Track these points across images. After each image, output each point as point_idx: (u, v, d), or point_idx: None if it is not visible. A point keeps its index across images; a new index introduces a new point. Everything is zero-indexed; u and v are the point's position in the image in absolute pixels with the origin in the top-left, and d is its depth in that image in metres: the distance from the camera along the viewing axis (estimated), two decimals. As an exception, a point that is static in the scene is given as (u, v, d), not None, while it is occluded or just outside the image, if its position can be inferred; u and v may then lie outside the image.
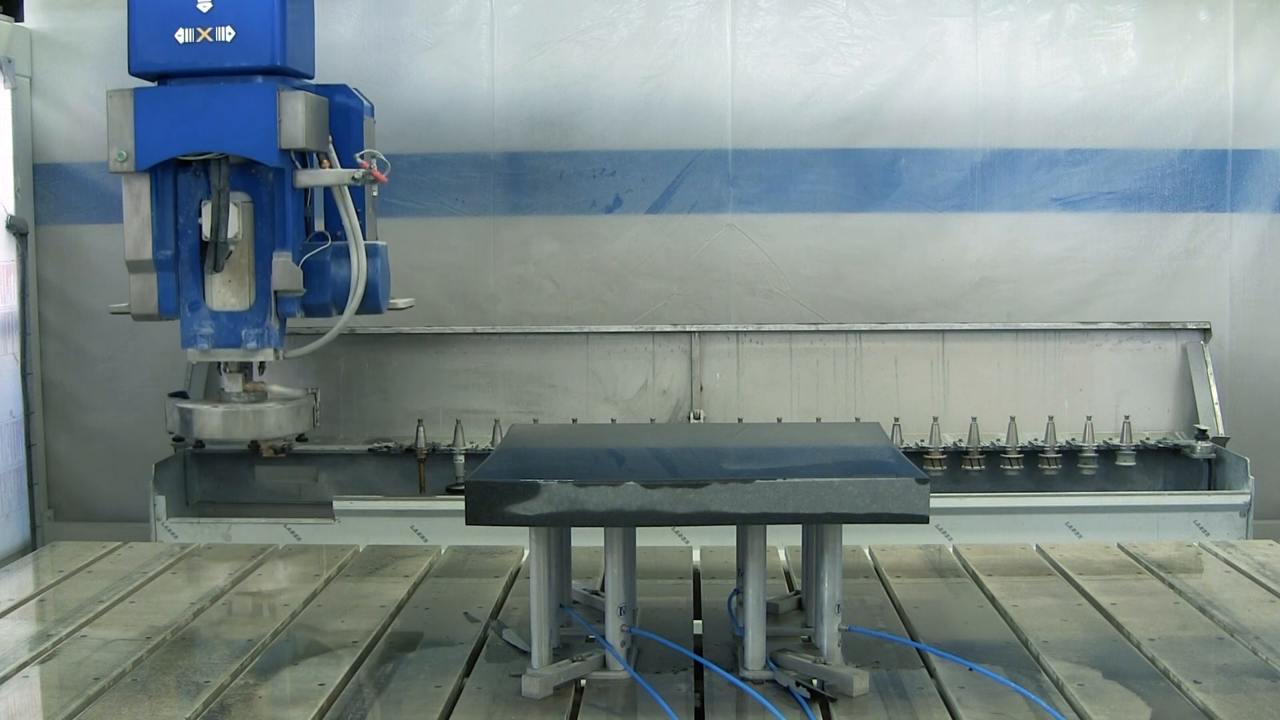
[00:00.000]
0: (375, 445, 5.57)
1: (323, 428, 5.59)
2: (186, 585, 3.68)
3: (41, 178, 5.81)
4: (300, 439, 4.16)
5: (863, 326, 5.63)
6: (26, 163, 5.76)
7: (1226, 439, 5.39)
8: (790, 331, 5.63)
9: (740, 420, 5.56)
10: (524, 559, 3.77)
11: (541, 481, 2.71)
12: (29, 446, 5.68)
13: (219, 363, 3.92)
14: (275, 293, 3.80)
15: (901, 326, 5.63)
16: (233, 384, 3.90)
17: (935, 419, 5.46)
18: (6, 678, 2.94)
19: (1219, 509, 5.03)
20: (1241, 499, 5.04)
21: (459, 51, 5.79)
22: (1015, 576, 3.69)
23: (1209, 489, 5.36)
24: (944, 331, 5.62)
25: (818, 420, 5.46)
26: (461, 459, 5.42)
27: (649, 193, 5.82)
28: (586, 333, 5.66)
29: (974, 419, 5.44)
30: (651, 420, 5.60)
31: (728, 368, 5.63)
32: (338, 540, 4.59)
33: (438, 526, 4.84)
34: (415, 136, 5.68)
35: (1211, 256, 5.80)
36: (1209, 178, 5.76)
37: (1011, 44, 5.75)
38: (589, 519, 2.76)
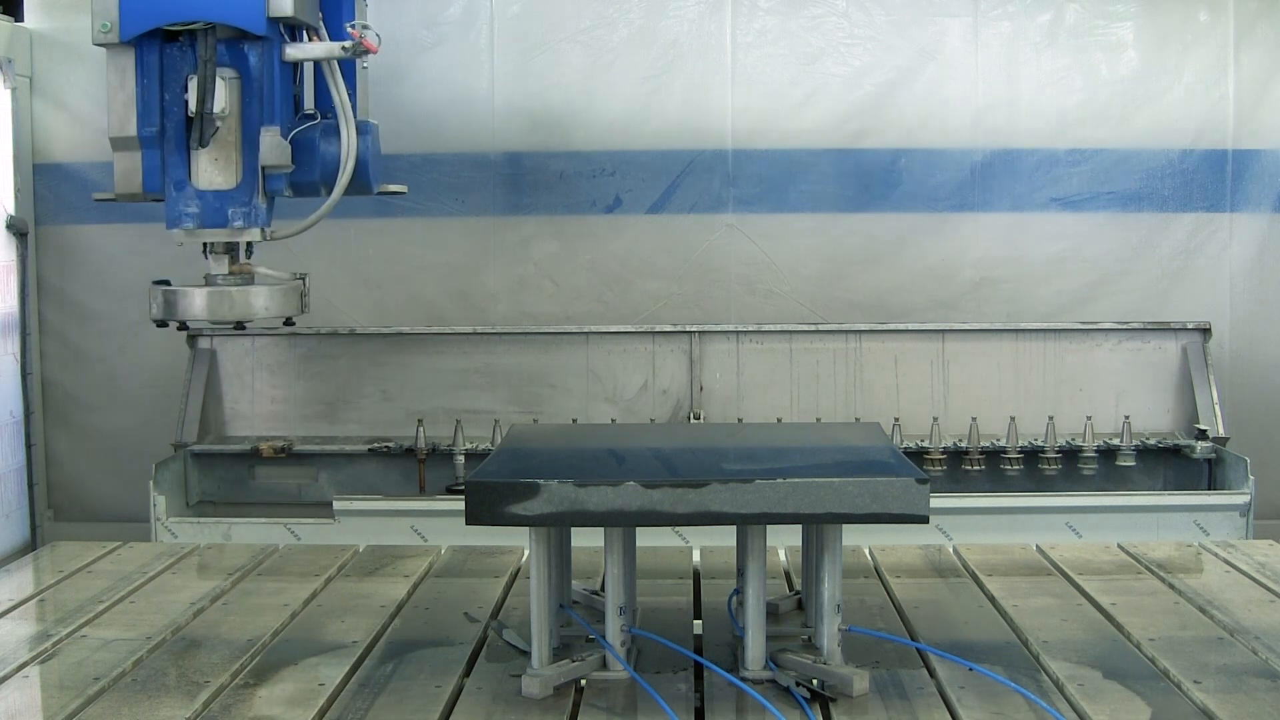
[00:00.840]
0: (375, 445, 5.57)
1: (323, 428, 5.61)
2: (186, 585, 3.67)
3: (41, 178, 5.82)
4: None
5: (863, 326, 5.63)
6: (26, 163, 5.77)
7: (1226, 439, 5.39)
8: (790, 331, 5.62)
9: (740, 420, 5.56)
10: (524, 559, 3.76)
11: (541, 481, 2.71)
12: (29, 446, 5.69)
13: (204, 244, 3.76)
14: (263, 169, 3.66)
15: (901, 326, 5.63)
16: (218, 265, 3.78)
17: (935, 419, 5.46)
18: (6, 678, 2.93)
19: (1219, 509, 5.03)
20: (1241, 499, 5.03)
21: (459, 51, 5.79)
22: (1015, 576, 3.68)
23: (1209, 489, 5.35)
24: (944, 331, 5.62)
25: (818, 420, 5.46)
26: (461, 459, 5.42)
27: (649, 193, 5.82)
28: (586, 333, 5.66)
29: (974, 419, 5.43)
30: (651, 420, 5.59)
31: (728, 368, 5.63)
32: (338, 540, 4.58)
33: (438, 526, 4.83)
34: (415, 136, 5.68)
35: (1211, 256, 5.80)
36: (1209, 178, 5.76)
37: (1011, 44, 5.75)
38: (589, 519, 2.75)
